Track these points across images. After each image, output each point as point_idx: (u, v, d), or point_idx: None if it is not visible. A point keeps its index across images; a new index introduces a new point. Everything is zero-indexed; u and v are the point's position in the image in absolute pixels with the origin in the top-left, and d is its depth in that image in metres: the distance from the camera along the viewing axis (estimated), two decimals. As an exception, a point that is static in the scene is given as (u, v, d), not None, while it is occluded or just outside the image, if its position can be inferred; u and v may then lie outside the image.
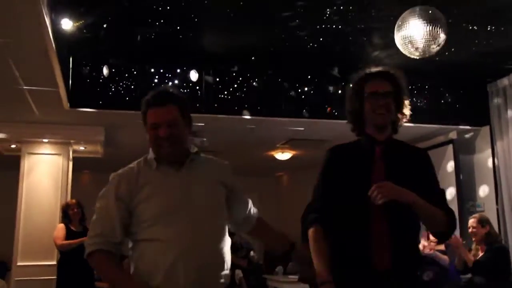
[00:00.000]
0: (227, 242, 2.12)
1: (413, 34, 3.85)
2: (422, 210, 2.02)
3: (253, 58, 5.35)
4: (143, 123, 2.10)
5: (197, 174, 2.11)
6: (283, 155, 8.43)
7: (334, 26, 4.53)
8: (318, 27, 4.54)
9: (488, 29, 4.66)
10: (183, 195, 2.03)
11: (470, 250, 4.76)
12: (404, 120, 2.22)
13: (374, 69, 2.23)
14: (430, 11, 3.88)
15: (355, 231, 2.06)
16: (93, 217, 2.06)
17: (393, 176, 2.03)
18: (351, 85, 2.24)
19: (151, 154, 2.10)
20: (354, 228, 2.06)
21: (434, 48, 3.97)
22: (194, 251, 1.96)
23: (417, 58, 4.04)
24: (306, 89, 5.60)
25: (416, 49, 3.92)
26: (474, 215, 4.81)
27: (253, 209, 2.35)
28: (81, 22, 4.19)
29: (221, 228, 2.11)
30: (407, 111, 2.20)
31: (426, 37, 3.87)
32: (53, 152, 6.45)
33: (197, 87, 5.37)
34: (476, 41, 4.95)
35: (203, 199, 2.06)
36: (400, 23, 3.91)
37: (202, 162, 2.17)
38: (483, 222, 4.61)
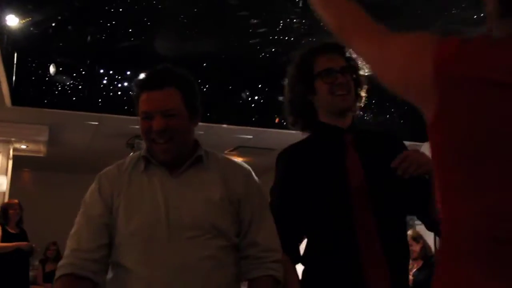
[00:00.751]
0: (232, 275, 1.55)
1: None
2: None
3: (204, 64, 5.35)
4: (136, 110, 1.60)
5: (198, 181, 1.58)
6: (230, 162, 8.43)
7: (286, 38, 4.60)
8: (270, 37, 4.60)
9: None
10: (167, 209, 1.52)
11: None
12: (362, 103, 1.79)
13: (321, 43, 1.74)
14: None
15: (340, 247, 1.61)
16: (71, 231, 1.57)
17: (372, 170, 1.63)
18: (293, 65, 1.74)
19: (143, 150, 1.63)
20: (339, 243, 1.61)
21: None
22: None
23: (367, 73, 4.14)
24: (256, 97, 5.64)
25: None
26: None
27: (268, 262, 1.57)
28: (28, 19, 4.07)
29: (221, 257, 1.53)
30: (364, 93, 1.79)
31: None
32: (-8, 150, 6.23)
33: (147, 91, 5.31)
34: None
35: (197, 216, 1.53)
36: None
37: (213, 166, 1.62)
38: (417, 238, 4.68)
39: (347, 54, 1.71)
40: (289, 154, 1.76)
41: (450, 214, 0.87)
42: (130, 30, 4.46)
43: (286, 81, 1.77)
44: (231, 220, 1.58)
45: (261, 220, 1.61)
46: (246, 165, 1.70)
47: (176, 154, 1.57)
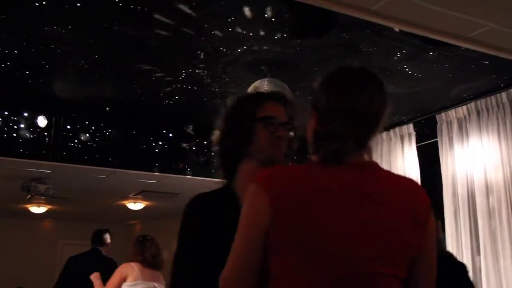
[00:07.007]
0: None
1: (261, 103, 4.08)
2: None
3: (107, 108, 5.27)
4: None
5: None
6: (135, 205, 8.27)
7: (189, 87, 4.65)
8: (174, 86, 4.63)
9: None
10: None
11: None
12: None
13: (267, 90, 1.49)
14: (277, 83, 4.16)
15: None
16: None
17: None
18: (235, 104, 1.66)
19: None
20: None
21: (280, 118, 4.23)
22: None
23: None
24: (160, 143, 5.62)
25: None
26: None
27: None
28: None
29: None
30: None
31: (272, 107, 4.12)
32: None
33: (45, 134, 5.13)
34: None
35: None
36: (249, 91, 4.13)
37: None
38: None
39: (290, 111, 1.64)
40: (198, 209, 1.53)
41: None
42: (27, 72, 4.32)
43: (219, 123, 1.66)
44: None
45: None
46: None
47: None
